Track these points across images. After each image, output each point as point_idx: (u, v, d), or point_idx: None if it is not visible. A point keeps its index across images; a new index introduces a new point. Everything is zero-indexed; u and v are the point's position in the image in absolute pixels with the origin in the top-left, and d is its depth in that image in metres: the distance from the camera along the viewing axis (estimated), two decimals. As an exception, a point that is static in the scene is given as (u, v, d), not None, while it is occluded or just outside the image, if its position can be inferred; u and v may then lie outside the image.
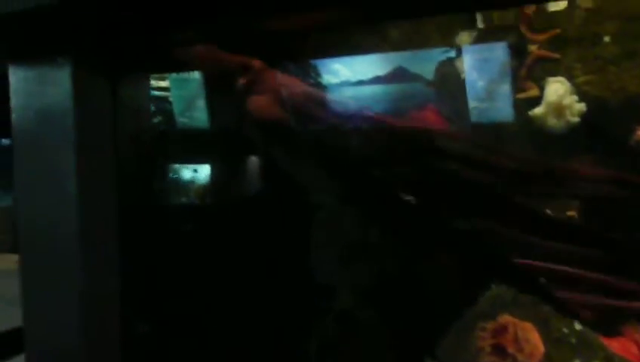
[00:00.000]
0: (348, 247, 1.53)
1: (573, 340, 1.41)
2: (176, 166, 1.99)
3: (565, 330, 1.42)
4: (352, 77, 1.92)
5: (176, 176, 2.02)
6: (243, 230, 1.77)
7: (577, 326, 1.43)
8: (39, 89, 1.15)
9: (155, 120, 2.07)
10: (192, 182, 2.05)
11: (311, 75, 1.94)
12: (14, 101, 1.17)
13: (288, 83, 1.59)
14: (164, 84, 2.12)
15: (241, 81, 1.55)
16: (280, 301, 1.70)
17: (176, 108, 2.13)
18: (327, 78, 1.93)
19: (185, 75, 2.07)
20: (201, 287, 1.67)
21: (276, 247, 1.70)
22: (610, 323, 1.50)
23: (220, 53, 1.57)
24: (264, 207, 1.80)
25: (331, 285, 1.60)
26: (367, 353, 1.72)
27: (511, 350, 1.37)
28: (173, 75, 2.07)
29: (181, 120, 2.13)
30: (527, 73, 1.61)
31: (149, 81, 1.52)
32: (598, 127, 1.59)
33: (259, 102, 1.53)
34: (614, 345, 1.45)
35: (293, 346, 1.77)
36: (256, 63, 1.55)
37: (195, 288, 1.67)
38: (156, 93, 2.08)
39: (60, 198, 1.18)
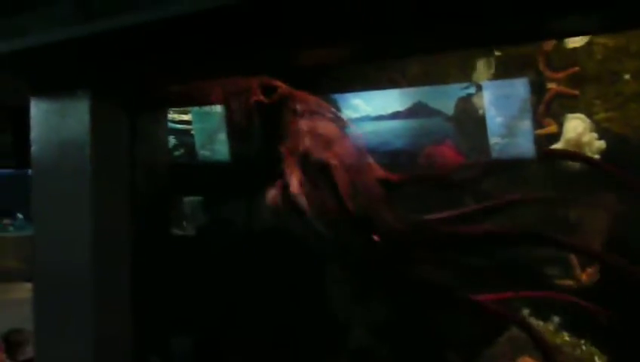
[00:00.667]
0: (361, 287, 1.49)
1: (597, 385, 1.36)
2: (194, 200, 1.99)
3: (588, 374, 1.37)
4: (371, 112, 1.92)
5: (193, 210, 2.02)
6: (262, 265, 1.76)
7: (601, 370, 1.38)
8: (58, 121, 1.17)
9: (177, 153, 2.10)
10: (210, 216, 2.05)
11: (331, 110, 1.95)
12: (34, 133, 1.20)
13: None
14: (186, 117, 2.15)
15: (265, 100, 1.54)
16: (294, 333, 1.68)
17: (198, 141, 2.15)
18: (347, 113, 1.94)
19: (206, 108, 2.10)
20: (214, 323, 1.65)
21: (291, 282, 1.68)
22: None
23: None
24: (283, 240, 1.78)
25: (346, 322, 1.57)
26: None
27: (531, 393, 1.32)
28: (195, 108, 2.09)
29: (202, 153, 2.14)
30: (545, 109, 1.59)
31: (167, 114, 1.54)
32: (618, 165, 1.55)
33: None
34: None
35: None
36: (281, 85, 1.54)
37: (210, 324, 1.65)
38: (178, 126, 2.11)
39: (74, 229, 1.19)
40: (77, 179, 1.18)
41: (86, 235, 1.18)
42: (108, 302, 1.23)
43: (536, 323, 1.49)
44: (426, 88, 1.85)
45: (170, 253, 1.50)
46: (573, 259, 1.57)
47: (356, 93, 1.92)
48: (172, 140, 2.06)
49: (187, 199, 1.96)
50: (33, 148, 1.20)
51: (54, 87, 1.14)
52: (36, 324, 1.25)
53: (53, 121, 1.19)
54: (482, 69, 1.74)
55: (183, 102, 1.75)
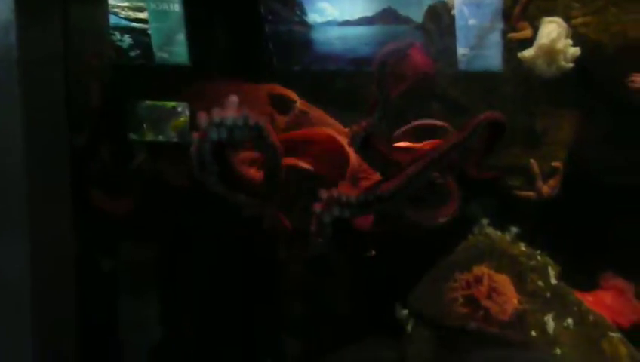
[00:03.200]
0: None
1: (548, 294, 1.37)
2: (143, 100, 1.87)
3: (540, 283, 1.38)
4: (338, 17, 1.82)
5: (140, 110, 1.90)
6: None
7: (553, 280, 1.39)
8: (-21, -1, 1.03)
9: (132, 53, 1.96)
10: (159, 119, 1.94)
11: (297, 13, 1.84)
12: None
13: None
14: (142, 15, 1.99)
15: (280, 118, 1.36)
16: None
17: (155, 41, 2.01)
18: (313, 17, 1.83)
19: (164, 6, 1.94)
20: (156, 237, 1.58)
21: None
22: (587, 275, 1.47)
23: None
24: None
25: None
26: (337, 299, 1.68)
27: (484, 302, 1.33)
28: (152, 6, 1.93)
29: (160, 54, 2.01)
30: (521, 12, 1.50)
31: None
32: (592, 74, 1.50)
33: None
34: (589, 299, 1.42)
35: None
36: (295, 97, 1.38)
37: (154, 238, 1.59)
38: (134, 24, 1.96)
39: (3, 125, 1.09)
40: (3, 68, 1.06)
41: (17, 132, 1.08)
42: (45, 205, 1.14)
43: (495, 233, 1.48)
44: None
45: (115, 155, 1.41)
46: (536, 169, 1.55)
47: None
48: (126, 40, 1.92)
49: (136, 98, 1.84)
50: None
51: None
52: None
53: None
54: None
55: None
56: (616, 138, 1.54)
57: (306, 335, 1.71)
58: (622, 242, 1.49)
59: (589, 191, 1.51)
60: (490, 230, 1.50)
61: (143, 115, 1.94)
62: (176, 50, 1.96)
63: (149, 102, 1.95)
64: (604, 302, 1.43)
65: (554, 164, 1.55)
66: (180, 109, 1.97)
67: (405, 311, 1.50)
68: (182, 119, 1.97)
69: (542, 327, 1.32)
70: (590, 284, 1.49)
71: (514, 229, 1.49)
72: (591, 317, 1.36)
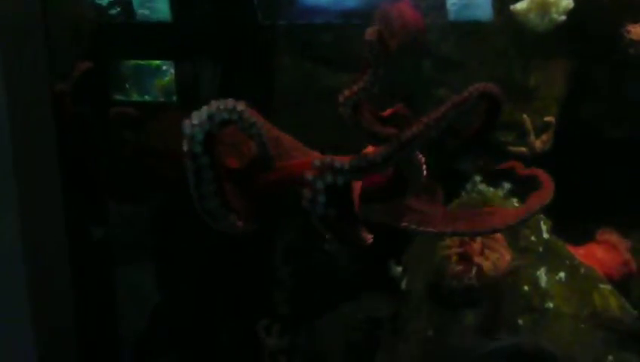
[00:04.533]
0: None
1: (540, 249, 1.39)
2: (127, 62, 1.82)
3: (533, 239, 1.39)
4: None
5: (125, 72, 1.86)
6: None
7: (545, 235, 1.40)
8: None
9: (113, 11, 1.89)
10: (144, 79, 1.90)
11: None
12: None
13: None
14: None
15: None
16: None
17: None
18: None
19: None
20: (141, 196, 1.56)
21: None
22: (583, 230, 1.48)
23: None
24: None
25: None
26: (332, 256, 1.69)
27: (477, 259, 1.33)
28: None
29: (141, 11, 1.95)
30: (514, -37, 1.46)
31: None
32: (585, 26, 1.47)
33: None
34: (580, 252, 1.43)
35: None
36: None
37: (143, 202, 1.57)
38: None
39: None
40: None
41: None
42: (32, 177, 1.12)
43: (487, 189, 1.48)
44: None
45: (99, 122, 1.38)
46: (529, 125, 1.53)
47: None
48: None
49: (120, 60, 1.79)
50: None
51: None
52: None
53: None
54: None
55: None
56: (609, 91, 1.52)
57: (302, 295, 1.73)
58: (615, 196, 1.50)
59: (582, 146, 1.51)
60: (482, 186, 1.50)
61: (126, 74, 1.90)
62: (158, 6, 1.90)
63: (132, 62, 1.90)
64: (595, 255, 1.45)
65: (546, 118, 1.54)
66: (165, 68, 1.93)
67: (400, 269, 1.51)
68: (167, 78, 1.93)
69: (535, 282, 1.34)
70: (582, 238, 1.51)
71: (506, 185, 1.49)
72: (582, 270, 1.38)
